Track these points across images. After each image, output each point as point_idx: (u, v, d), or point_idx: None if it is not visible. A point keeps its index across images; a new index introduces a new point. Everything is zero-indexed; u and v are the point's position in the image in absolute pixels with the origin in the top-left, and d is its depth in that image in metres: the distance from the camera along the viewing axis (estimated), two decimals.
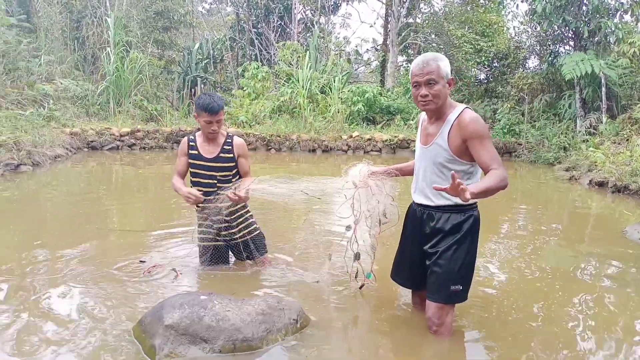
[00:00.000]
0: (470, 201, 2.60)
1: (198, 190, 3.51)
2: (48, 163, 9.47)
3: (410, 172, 2.98)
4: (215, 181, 3.55)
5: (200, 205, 3.55)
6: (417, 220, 2.83)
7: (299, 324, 2.80)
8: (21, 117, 10.79)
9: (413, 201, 2.88)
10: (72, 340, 2.63)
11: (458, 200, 2.57)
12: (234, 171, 3.64)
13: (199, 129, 3.70)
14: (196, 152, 3.57)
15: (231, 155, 3.62)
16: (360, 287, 3.33)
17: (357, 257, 3.21)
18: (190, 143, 3.59)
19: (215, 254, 3.73)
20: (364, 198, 3.07)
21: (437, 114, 2.63)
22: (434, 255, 2.68)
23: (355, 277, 3.28)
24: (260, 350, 2.54)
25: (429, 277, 2.72)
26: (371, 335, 2.93)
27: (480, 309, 3.24)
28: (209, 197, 3.48)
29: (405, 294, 3.33)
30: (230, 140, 3.65)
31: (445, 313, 2.68)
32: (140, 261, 3.90)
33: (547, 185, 9.86)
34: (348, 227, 3.23)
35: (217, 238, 3.69)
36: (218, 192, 3.43)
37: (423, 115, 2.82)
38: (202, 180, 3.56)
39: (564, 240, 5.45)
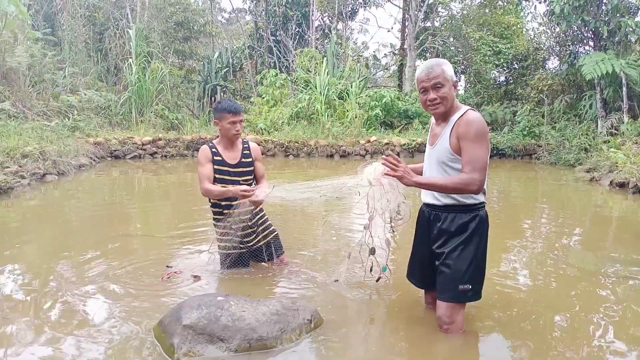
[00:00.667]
0: (477, 201, 2.67)
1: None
2: (73, 172, 9.73)
3: (422, 173, 3.05)
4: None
5: (225, 212, 3.63)
6: (426, 221, 2.91)
7: (313, 324, 2.87)
8: (47, 127, 11.13)
9: (422, 202, 2.95)
10: (95, 340, 2.74)
11: (464, 200, 2.64)
12: (253, 175, 3.79)
13: (216, 137, 3.82)
14: (220, 158, 3.66)
15: (251, 159, 3.78)
16: (377, 280, 3.41)
17: (372, 251, 3.28)
18: (213, 150, 3.67)
19: (237, 260, 3.80)
20: (377, 195, 3.15)
21: (444, 116, 2.71)
22: (442, 256, 2.74)
23: (371, 271, 3.35)
24: (275, 349, 2.62)
25: (438, 277, 2.78)
26: (384, 335, 2.98)
27: (500, 309, 3.25)
28: (234, 203, 3.57)
29: (419, 294, 3.37)
30: (247, 146, 3.82)
31: (455, 312, 2.73)
32: (167, 266, 3.99)
33: (568, 187, 9.76)
34: (365, 227, 3.31)
35: (241, 245, 3.74)
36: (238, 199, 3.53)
37: (433, 119, 2.90)
38: (226, 186, 3.63)
39: (584, 242, 5.41)
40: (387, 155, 2.65)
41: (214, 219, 3.82)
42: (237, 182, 3.64)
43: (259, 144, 13.61)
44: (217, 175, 3.65)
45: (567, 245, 5.16)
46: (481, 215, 2.72)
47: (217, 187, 3.58)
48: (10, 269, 4.03)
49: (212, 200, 3.74)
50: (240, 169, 3.70)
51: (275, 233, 3.97)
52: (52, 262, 4.17)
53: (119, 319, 3.04)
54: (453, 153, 2.64)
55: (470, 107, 2.68)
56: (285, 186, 3.56)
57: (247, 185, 3.67)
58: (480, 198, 2.70)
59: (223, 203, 3.66)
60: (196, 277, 3.72)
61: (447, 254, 2.72)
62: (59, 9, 16.88)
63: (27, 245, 4.81)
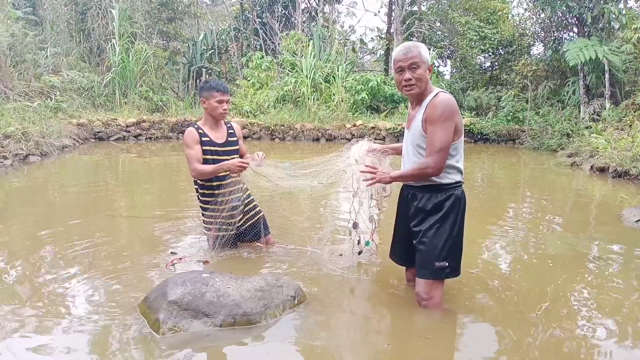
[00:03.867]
0: (452, 181, 2.75)
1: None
2: (56, 153, 9.64)
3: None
4: None
5: (217, 192, 3.65)
6: (404, 200, 2.99)
7: (297, 300, 2.93)
8: (29, 108, 10.97)
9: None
10: (80, 318, 2.77)
11: (439, 180, 2.73)
12: (238, 153, 3.84)
13: (200, 119, 3.84)
14: (208, 138, 3.68)
15: (235, 138, 3.85)
16: (359, 253, 3.54)
17: (354, 225, 3.43)
18: (199, 131, 3.69)
19: (225, 241, 3.80)
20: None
21: (418, 99, 2.77)
22: (419, 234, 2.82)
23: (358, 243, 3.48)
24: (259, 324, 2.67)
25: (416, 254, 2.85)
26: (364, 310, 3.06)
27: (479, 290, 3.31)
28: (224, 182, 3.61)
29: (401, 272, 3.45)
30: (230, 125, 3.90)
31: (433, 288, 2.81)
32: (172, 252, 3.89)
33: (549, 171, 9.92)
34: (355, 225, 3.46)
35: (229, 227, 3.74)
36: (230, 175, 3.58)
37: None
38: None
39: (565, 225, 5.51)
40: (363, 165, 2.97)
41: (202, 201, 3.80)
42: (226, 161, 3.65)
43: (244, 127, 13.59)
44: (206, 156, 3.66)
45: (548, 229, 5.27)
46: (456, 194, 2.78)
47: (210, 166, 3.59)
48: None
49: (200, 182, 3.74)
50: (228, 148, 3.76)
51: (262, 214, 4.01)
52: (36, 243, 4.17)
53: (104, 297, 3.07)
54: (425, 135, 2.71)
55: (441, 90, 2.72)
56: (277, 165, 3.63)
57: None
58: (455, 177, 2.76)
59: (214, 184, 3.68)
60: (206, 262, 3.64)
61: (424, 232, 2.80)
62: None
63: (11, 226, 4.79)
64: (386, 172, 2.85)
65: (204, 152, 3.66)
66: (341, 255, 3.74)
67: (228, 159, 3.67)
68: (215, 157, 3.67)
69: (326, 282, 3.39)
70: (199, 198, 3.83)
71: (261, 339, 2.58)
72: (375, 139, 14.18)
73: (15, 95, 11.89)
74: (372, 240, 3.53)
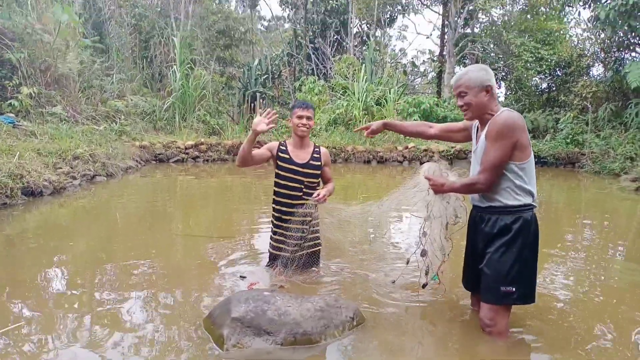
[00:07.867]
0: (520, 203, 2.71)
1: (284, 193, 3.72)
2: (120, 174, 10.11)
3: (412, 133, 3.48)
4: (302, 186, 3.72)
5: (286, 214, 3.71)
6: (472, 223, 2.97)
7: (355, 322, 2.96)
8: (96, 131, 11.58)
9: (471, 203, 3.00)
10: (146, 332, 2.90)
11: (506, 202, 2.69)
12: (319, 179, 3.85)
13: (288, 138, 3.96)
14: (287, 156, 3.76)
15: (319, 163, 3.83)
16: (423, 287, 3.33)
17: (423, 253, 3.24)
18: (281, 147, 3.80)
19: (282, 261, 3.76)
20: (438, 198, 3.09)
21: (481, 120, 2.83)
22: (485, 258, 2.79)
23: (426, 274, 3.28)
24: (319, 344, 2.72)
25: (481, 278, 2.82)
26: (424, 334, 3.04)
27: (540, 319, 3.22)
28: (295, 204, 3.66)
29: (466, 298, 3.40)
30: (318, 149, 3.90)
31: (497, 315, 2.75)
32: (241, 277, 3.88)
33: (612, 196, 9.52)
34: (424, 234, 3.26)
35: (292, 249, 3.72)
36: (303, 197, 3.65)
37: (474, 123, 2.97)
38: (289, 184, 3.72)
39: (629, 253, 5.29)
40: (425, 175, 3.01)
41: (275, 217, 3.85)
42: (301, 182, 3.71)
43: None
44: (282, 172, 3.73)
45: (610, 256, 5.06)
46: (525, 217, 2.72)
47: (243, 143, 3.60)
48: (62, 266, 4.25)
49: (275, 199, 3.80)
50: (307, 170, 3.75)
51: (320, 247, 3.99)
52: (102, 260, 4.37)
53: (169, 314, 3.19)
54: None
55: (508, 109, 2.73)
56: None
57: (312, 187, 3.74)
58: (524, 200, 2.72)
59: (284, 209, 3.74)
60: (281, 287, 3.62)
61: (490, 255, 2.76)
62: (107, 17, 17.53)
63: (78, 243, 5.07)
64: (441, 183, 2.88)
65: (279, 167, 3.75)
66: (394, 282, 3.71)
67: (304, 181, 3.72)
68: (290, 174, 3.71)
69: (384, 306, 3.39)
70: (273, 216, 3.88)
71: (321, 359, 2.62)
72: (428, 161, 14.02)
73: (83, 118, 12.59)
74: (440, 273, 3.29)
